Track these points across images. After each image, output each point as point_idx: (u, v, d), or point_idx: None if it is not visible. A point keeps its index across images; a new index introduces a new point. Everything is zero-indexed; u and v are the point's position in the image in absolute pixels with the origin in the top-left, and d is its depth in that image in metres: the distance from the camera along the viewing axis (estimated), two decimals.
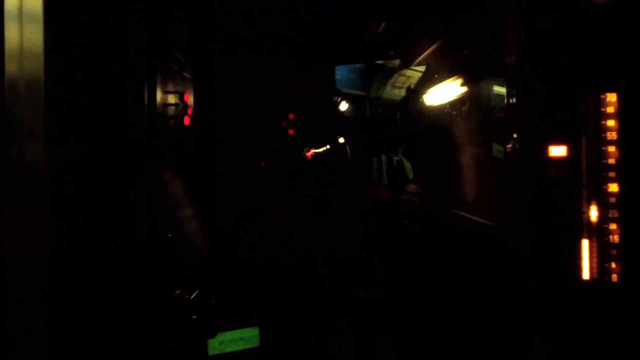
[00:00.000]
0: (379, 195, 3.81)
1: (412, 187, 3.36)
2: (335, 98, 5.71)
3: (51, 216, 1.26)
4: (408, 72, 5.81)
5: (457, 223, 3.01)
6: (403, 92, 5.77)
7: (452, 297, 2.53)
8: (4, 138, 1.21)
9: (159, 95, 1.66)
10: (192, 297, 1.92)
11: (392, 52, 5.58)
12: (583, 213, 2.18)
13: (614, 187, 2.17)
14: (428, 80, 4.29)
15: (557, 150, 2.19)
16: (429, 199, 3.24)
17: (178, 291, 2.05)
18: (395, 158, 4.87)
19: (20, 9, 1.21)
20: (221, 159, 2.27)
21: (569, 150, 2.18)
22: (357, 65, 6.40)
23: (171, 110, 1.73)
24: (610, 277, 2.17)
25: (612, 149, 2.18)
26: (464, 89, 3.20)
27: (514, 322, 2.28)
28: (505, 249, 2.39)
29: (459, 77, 3.23)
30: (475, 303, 2.45)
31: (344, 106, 5.06)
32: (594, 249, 2.18)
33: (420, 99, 4.19)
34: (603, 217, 2.17)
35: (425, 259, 2.75)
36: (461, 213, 3.06)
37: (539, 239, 2.23)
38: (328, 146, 6.44)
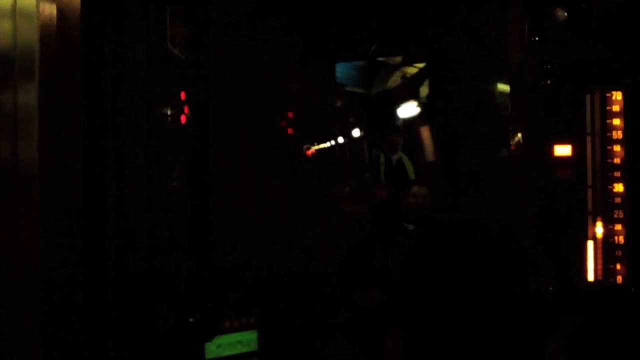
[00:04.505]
0: (376, 196, 3.76)
1: (415, 189, 3.31)
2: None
3: (45, 217, 1.24)
4: (410, 69, 5.78)
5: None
6: None
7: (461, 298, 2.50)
8: None
9: (156, 94, 1.62)
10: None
11: (393, 49, 5.53)
12: (588, 213, 2.15)
13: (619, 187, 2.15)
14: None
15: (562, 150, 2.16)
16: (435, 202, 3.18)
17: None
18: (394, 157, 4.74)
19: (14, 6, 1.20)
20: (219, 158, 2.24)
21: (574, 150, 2.16)
22: (358, 62, 6.36)
23: (168, 108, 1.69)
24: (615, 278, 2.15)
25: (617, 148, 2.16)
26: None
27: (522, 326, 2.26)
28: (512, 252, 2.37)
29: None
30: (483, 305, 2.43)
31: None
32: (599, 250, 2.15)
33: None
34: (608, 218, 2.15)
35: (431, 262, 2.72)
36: None
37: (543, 240, 2.20)
38: (329, 143, 6.37)
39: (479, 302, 2.44)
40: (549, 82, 2.18)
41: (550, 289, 2.17)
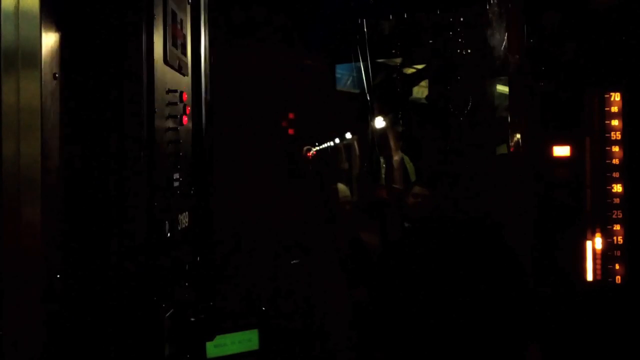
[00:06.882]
0: (375, 195, 3.76)
1: (417, 189, 3.29)
2: None
3: (47, 217, 1.24)
4: (409, 71, 5.77)
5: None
6: None
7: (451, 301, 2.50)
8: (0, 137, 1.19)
9: (157, 94, 1.63)
10: None
11: (393, 51, 5.55)
12: (587, 214, 2.16)
13: (618, 188, 2.16)
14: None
15: (561, 150, 2.17)
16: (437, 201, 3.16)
17: None
18: (395, 158, 4.72)
19: (16, 7, 1.20)
20: (220, 159, 2.25)
21: (573, 150, 2.17)
22: (358, 64, 6.36)
23: (170, 109, 1.70)
24: (614, 278, 2.15)
25: (616, 148, 2.16)
26: None
27: (512, 329, 2.26)
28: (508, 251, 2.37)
29: None
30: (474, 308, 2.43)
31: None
32: (598, 250, 2.16)
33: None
34: (607, 218, 2.15)
35: (426, 263, 2.72)
36: None
37: (542, 240, 2.21)
38: (331, 143, 6.33)
39: (463, 303, 2.43)
40: (548, 83, 2.19)
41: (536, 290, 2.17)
